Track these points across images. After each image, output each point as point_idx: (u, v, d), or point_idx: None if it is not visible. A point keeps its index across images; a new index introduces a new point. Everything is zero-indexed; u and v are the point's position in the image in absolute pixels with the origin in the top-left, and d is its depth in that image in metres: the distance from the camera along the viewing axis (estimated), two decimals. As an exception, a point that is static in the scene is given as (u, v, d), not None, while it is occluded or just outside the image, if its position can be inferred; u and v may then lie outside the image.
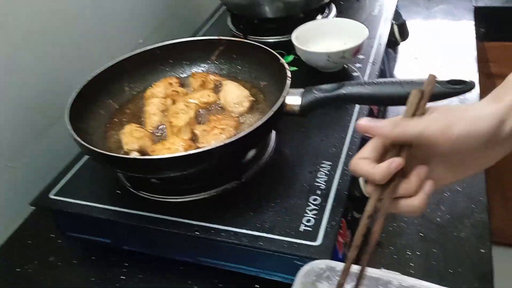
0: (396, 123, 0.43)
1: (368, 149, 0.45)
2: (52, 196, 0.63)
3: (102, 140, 0.65)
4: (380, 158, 0.45)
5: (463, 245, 0.62)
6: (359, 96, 0.58)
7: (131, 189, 0.63)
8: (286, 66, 0.65)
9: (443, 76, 0.55)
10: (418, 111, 0.44)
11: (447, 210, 0.67)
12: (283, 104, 0.60)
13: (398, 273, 0.47)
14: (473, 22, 1.12)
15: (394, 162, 0.42)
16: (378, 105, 0.66)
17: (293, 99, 0.61)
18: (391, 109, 0.88)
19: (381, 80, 0.58)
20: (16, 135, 0.73)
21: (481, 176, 0.72)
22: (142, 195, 0.62)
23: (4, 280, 0.65)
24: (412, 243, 0.63)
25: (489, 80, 1.27)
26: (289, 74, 0.63)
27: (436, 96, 0.55)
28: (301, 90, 0.61)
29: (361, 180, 0.63)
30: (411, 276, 0.47)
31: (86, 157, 0.69)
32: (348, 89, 0.58)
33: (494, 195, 1.58)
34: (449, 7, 1.19)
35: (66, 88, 0.66)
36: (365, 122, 0.45)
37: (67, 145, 0.77)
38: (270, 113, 0.57)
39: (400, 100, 0.56)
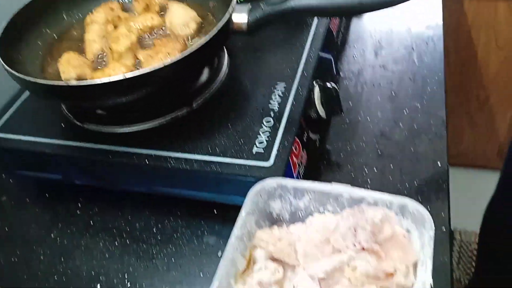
0: None
1: None
2: (-6, 134, 0.60)
3: (39, 72, 0.61)
4: None
5: (420, 160, 0.62)
6: (309, 8, 0.54)
7: (76, 122, 0.60)
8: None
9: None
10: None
11: (405, 127, 0.67)
12: (229, 22, 0.56)
13: (348, 185, 0.46)
14: None
15: None
16: (330, 16, 0.63)
17: (240, 16, 0.57)
18: (353, 29, 0.86)
19: (332, -10, 0.54)
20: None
21: (440, 92, 0.71)
22: (87, 127, 0.59)
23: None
24: (370, 161, 0.63)
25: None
26: (236, -9, 0.59)
27: (388, 3, 0.52)
28: (248, 6, 0.58)
29: (317, 101, 0.61)
30: (368, 192, 0.46)
31: (26, 93, 0.66)
32: (296, 2, 0.54)
33: (462, 120, 1.60)
34: None
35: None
36: None
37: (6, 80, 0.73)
38: (215, 31, 0.54)
39: (351, 10, 0.53)
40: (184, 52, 0.51)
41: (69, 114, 0.60)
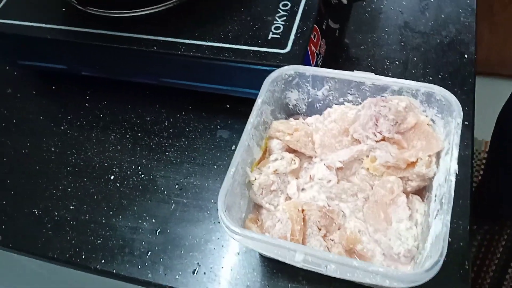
0: None
1: None
2: (-10, 20, 0.56)
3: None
4: None
5: (446, 52, 0.58)
6: None
7: (78, 6, 0.55)
8: None
9: None
10: None
11: (431, 17, 0.62)
12: None
13: (371, 73, 0.43)
14: None
15: None
16: None
17: None
18: None
19: None
20: None
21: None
22: (90, 11, 0.54)
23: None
24: (392, 53, 0.59)
25: None
26: None
27: None
28: None
29: (338, -16, 0.56)
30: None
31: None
32: None
33: (483, 21, 1.50)
34: None
35: None
36: None
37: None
38: None
39: None
40: None
41: (70, -2, 0.56)
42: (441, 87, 0.41)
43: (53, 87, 0.62)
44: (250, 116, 0.43)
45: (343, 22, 0.61)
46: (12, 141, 0.58)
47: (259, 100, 0.43)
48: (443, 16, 0.61)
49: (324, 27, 0.55)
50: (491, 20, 1.48)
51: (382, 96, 0.43)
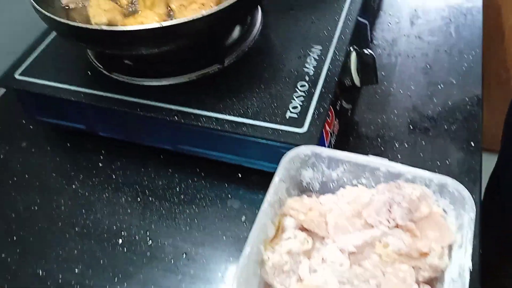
0: None
1: None
2: (18, 77, 0.58)
3: (65, 12, 0.58)
4: None
5: (453, 138, 0.60)
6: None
7: (103, 71, 0.57)
8: None
9: None
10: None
11: (439, 103, 0.64)
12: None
13: (385, 159, 0.45)
14: None
15: None
16: None
17: (283, -29, 0.54)
18: (387, 2, 0.81)
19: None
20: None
21: (477, 69, 0.69)
22: (115, 77, 0.57)
23: (-26, 166, 0.63)
24: (401, 135, 0.61)
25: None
26: None
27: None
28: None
29: (353, 68, 0.59)
30: (398, 167, 0.45)
31: (53, 34, 0.63)
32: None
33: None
34: None
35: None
36: None
37: (31, 20, 0.70)
38: (256, -14, 0.51)
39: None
40: (222, 4, 0.48)
41: (96, 62, 0.58)
42: (454, 180, 0.42)
43: (68, 144, 0.63)
44: (267, 194, 0.43)
45: (355, 102, 0.64)
46: (23, 196, 0.58)
47: (276, 179, 0.45)
48: (450, 103, 0.64)
49: (338, 107, 0.57)
50: (487, 94, 1.53)
51: (395, 181, 0.45)
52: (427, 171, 0.43)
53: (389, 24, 0.77)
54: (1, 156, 0.63)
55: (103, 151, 0.62)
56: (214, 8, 0.47)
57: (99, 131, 0.60)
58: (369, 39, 0.71)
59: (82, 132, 0.61)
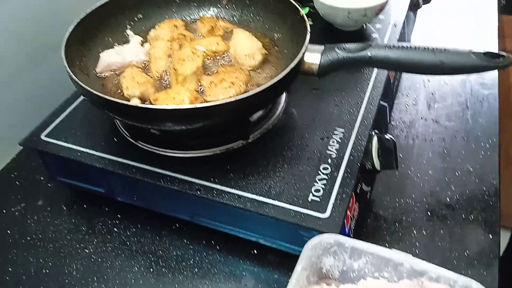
0: None
1: None
2: (44, 138, 0.59)
3: (99, 81, 0.60)
4: None
5: (470, 229, 0.60)
6: (386, 60, 0.53)
7: (129, 138, 0.58)
8: (306, 19, 0.60)
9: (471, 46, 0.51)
10: None
11: (457, 190, 0.65)
12: (301, 62, 0.55)
13: (410, 254, 0.44)
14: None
15: None
16: (406, 72, 0.61)
17: (312, 56, 0.56)
18: (406, 76, 0.84)
19: (411, 45, 0.53)
20: (6, 65, 0.67)
21: (494, 158, 0.69)
22: (140, 145, 0.57)
23: (-12, 221, 0.62)
24: (419, 221, 0.61)
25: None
26: (309, 28, 0.58)
27: (472, 69, 0.50)
28: (321, 47, 0.56)
29: (374, 153, 0.59)
30: (416, 256, 0.44)
31: (82, 97, 0.64)
32: (374, 52, 0.53)
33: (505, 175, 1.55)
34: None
35: (63, 20, 0.60)
36: None
37: (60, 81, 0.72)
38: (287, 70, 0.52)
39: (430, 68, 0.52)
40: (254, 90, 0.50)
41: (123, 130, 0.59)
42: (479, 284, 0.42)
43: (85, 205, 0.63)
44: (289, 284, 0.43)
45: (373, 184, 0.64)
46: (35, 258, 0.57)
47: (298, 267, 0.44)
48: (467, 191, 0.64)
49: (358, 190, 0.57)
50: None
51: (419, 279, 0.44)
52: (451, 272, 0.43)
53: (406, 106, 0.79)
54: (17, 214, 0.62)
55: (119, 215, 0.61)
56: (246, 94, 0.49)
57: (118, 196, 0.60)
58: (388, 120, 0.72)
59: (99, 194, 0.61)
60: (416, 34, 0.95)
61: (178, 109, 0.48)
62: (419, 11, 0.97)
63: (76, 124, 0.61)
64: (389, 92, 0.73)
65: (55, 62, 0.73)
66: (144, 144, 0.57)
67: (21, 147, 0.70)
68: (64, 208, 0.63)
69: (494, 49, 0.90)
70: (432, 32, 0.96)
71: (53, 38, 0.72)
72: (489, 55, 0.50)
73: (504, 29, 1.26)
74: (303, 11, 0.65)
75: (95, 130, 0.60)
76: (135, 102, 0.55)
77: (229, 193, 0.52)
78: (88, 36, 0.61)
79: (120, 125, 0.60)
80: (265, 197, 0.52)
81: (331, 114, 0.62)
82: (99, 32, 0.63)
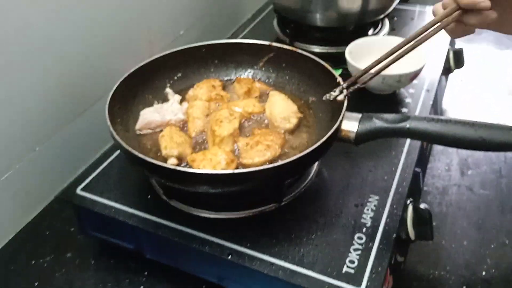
0: None
1: None
2: (79, 192, 0.60)
3: (137, 138, 0.61)
4: None
5: (509, 307, 0.57)
6: (425, 133, 0.53)
7: (163, 196, 0.58)
8: (344, 86, 0.60)
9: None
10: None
11: (493, 264, 0.62)
12: (339, 129, 0.55)
13: None
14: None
15: None
16: (443, 145, 0.60)
17: (350, 124, 0.56)
18: (437, 148, 0.83)
19: (451, 119, 0.53)
20: (46, 119, 0.69)
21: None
22: (174, 204, 0.57)
23: (17, 272, 0.62)
24: (454, 296, 0.58)
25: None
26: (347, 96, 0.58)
27: (502, 146, 0.50)
28: (359, 115, 0.56)
29: (409, 222, 0.58)
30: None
31: (117, 152, 0.66)
32: (413, 124, 0.53)
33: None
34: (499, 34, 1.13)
35: (102, 76, 0.62)
36: None
37: (96, 136, 0.74)
38: (326, 137, 0.52)
39: (471, 144, 0.51)
40: (291, 158, 0.50)
41: (158, 187, 0.59)
42: None
43: (112, 261, 0.62)
44: None
45: (406, 253, 0.63)
46: (60, 312, 0.56)
47: None
48: (503, 265, 0.62)
49: (393, 261, 0.56)
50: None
51: None
52: None
53: (439, 171, 0.78)
54: (45, 265, 0.62)
55: (146, 273, 0.61)
56: (284, 161, 0.49)
57: (147, 253, 0.59)
58: (421, 186, 0.71)
59: (129, 250, 0.61)
60: (447, 97, 0.95)
61: (216, 174, 0.48)
62: (450, 75, 0.98)
63: (111, 179, 0.62)
64: (423, 157, 0.72)
65: (93, 115, 0.75)
66: (177, 203, 0.57)
67: (52, 199, 0.71)
68: (92, 262, 0.62)
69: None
70: (463, 94, 0.96)
71: (94, 93, 0.75)
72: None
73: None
74: (337, 73, 0.67)
75: (130, 185, 0.61)
76: (173, 162, 0.55)
77: (261, 259, 0.51)
78: (130, 94, 0.63)
79: (155, 183, 0.60)
80: (298, 265, 0.51)
81: (365, 180, 0.62)
82: (140, 90, 0.65)
